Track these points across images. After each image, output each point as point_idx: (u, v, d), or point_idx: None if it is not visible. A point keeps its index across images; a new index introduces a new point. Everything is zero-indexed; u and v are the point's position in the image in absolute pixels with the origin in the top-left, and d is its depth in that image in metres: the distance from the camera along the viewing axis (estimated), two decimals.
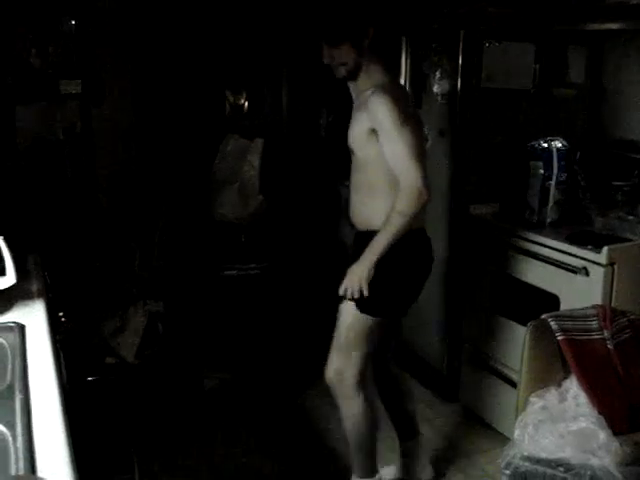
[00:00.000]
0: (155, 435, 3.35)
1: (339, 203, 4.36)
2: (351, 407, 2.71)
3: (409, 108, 2.56)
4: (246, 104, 4.67)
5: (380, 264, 2.43)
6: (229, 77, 4.57)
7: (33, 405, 1.52)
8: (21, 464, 1.29)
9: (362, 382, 2.69)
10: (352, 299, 2.49)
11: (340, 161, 4.67)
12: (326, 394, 3.84)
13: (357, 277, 2.44)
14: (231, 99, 4.64)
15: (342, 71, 2.53)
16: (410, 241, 2.49)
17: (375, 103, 2.41)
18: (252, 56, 4.48)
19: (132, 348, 3.51)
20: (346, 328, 2.60)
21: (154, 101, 4.19)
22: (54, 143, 3.90)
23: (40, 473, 1.28)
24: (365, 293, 2.44)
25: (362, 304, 2.51)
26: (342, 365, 2.66)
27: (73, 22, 3.91)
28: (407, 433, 3.05)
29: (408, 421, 3.04)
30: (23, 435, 1.38)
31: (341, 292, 2.51)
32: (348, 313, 2.57)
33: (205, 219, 4.16)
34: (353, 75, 2.55)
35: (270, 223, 4.22)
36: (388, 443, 3.14)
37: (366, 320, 2.55)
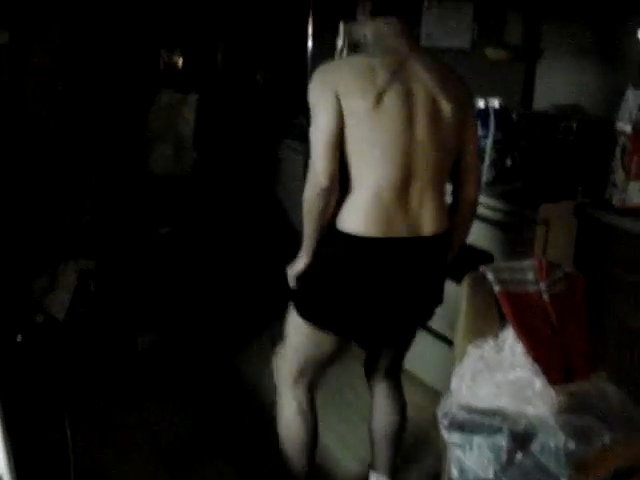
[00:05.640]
0: (87, 394, 3.29)
1: (277, 162, 4.33)
2: (280, 406, 2.40)
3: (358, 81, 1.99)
4: (180, 61, 4.59)
5: (312, 260, 2.18)
6: (164, 35, 4.49)
7: None
8: None
9: (295, 385, 2.35)
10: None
11: (277, 120, 4.67)
12: (260, 352, 3.83)
13: (289, 268, 2.24)
14: (165, 57, 4.56)
15: None
16: (339, 245, 2.11)
17: None
18: (188, 14, 4.40)
19: (63, 306, 3.42)
20: (288, 318, 2.32)
21: (86, 54, 4.08)
22: None
23: None
24: (290, 285, 2.24)
25: (293, 298, 2.27)
26: (281, 353, 2.39)
27: None
28: (380, 466, 2.66)
29: (386, 455, 2.63)
30: None
31: None
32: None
33: (138, 175, 4.07)
34: None
35: (205, 180, 4.16)
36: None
37: (297, 318, 2.24)
